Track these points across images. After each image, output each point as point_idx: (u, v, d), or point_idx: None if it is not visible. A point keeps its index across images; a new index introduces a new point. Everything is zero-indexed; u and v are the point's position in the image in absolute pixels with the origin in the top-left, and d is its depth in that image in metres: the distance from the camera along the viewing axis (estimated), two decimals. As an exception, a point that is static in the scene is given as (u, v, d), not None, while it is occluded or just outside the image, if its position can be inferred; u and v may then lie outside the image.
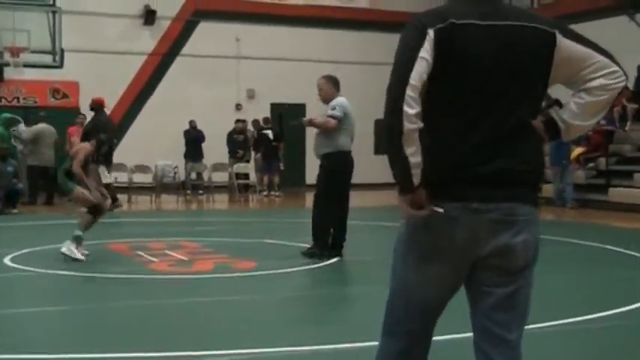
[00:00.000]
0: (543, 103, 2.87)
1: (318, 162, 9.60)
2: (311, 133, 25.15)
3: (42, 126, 17.35)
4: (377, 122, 25.03)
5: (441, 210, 2.71)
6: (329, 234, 9.24)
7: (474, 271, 2.80)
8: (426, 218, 2.73)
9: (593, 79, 2.77)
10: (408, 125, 2.64)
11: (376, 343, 2.99)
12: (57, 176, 9.01)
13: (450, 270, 2.80)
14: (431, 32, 2.69)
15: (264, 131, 20.89)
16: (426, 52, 2.69)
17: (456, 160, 2.72)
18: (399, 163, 2.69)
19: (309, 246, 9.32)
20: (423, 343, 2.94)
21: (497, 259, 2.76)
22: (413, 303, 2.86)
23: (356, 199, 18.60)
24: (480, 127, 2.72)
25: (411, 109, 2.65)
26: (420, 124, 2.67)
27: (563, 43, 2.76)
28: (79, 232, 8.90)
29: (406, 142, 2.66)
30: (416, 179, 2.69)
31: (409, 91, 2.66)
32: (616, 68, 2.78)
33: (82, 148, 9.07)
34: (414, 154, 2.67)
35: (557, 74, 2.80)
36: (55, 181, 16.51)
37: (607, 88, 2.77)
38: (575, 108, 2.83)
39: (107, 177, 14.83)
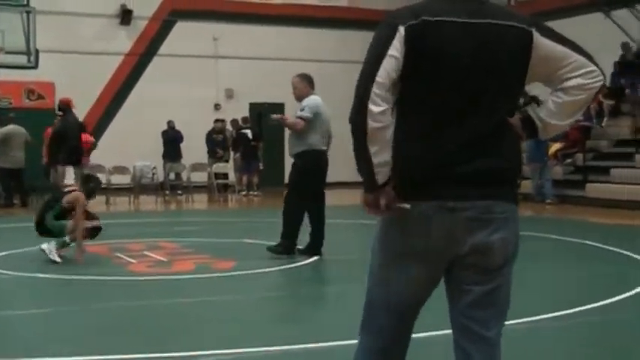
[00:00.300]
0: (521, 100, 2.87)
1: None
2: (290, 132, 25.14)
3: (11, 127, 17.20)
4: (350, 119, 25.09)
5: (407, 206, 2.70)
6: (296, 235, 9.22)
7: (452, 270, 2.80)
8: (401, 217, 2.73)
9: (571, 78, 2.77)
10: (372, 124, 2.65)
11: (355, 341, 2.98)
12: (44, 219, 8.98)
13: (426, 269, 2.79)
14: (402, 29, 2.68)
15: (243, 131, 20.85)
16: (395, 50, 2.68)
17: (432, 159, 2.71)
18: (363, 162, 2.71)
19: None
20: (401, 342, 2.93)
21: (475, 258, 2.75)
22: (390, 302, 2.85)
23: (334, 197, 18.61)
24: (455, 125, 2.71)
25: (377, 106, 2.65)
26: (387, 122, 2.67)
27: (541, 41, 2.75)
28: (65, 238, 8.91)
29: (371, 140, 2.66)
30: (380, 177, 2.70)
31: (375, 89, 2.66)
32: (593, 68, 2.78)
33: (79, 200, 9.06)
34: (379, 153, 2.67)
35: (535, 73, 2.79)
36: (22, 182, 16.47)
37: (584, 88, 2.77)
38: (552, 107, 2.83)
39: (72, 178, 14.79)
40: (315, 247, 9.27)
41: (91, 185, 9.41)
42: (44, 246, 8.83)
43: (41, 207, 9.36)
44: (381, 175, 2.69)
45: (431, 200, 2.71)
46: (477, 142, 2.72)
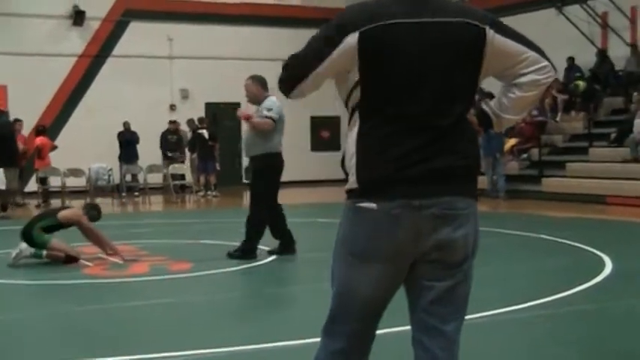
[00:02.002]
0: (476, 97, 2.89)
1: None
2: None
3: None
4: (313, 119, 25.11)
5: (374, 206, 2.70)
6: (258, 240, 9.18)
7: (414, 266, 2.79)
8: (366, 217, 2.72)
9: (525, 74, 2.80)
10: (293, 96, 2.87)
11: (315, 340, 2.96)
12: (31, 237, 8.93)
13: (391, 269, 2.77)
14: (354, 35, 2.68)
15: (200, 131, 20.74)
16: (339, 54, 2.71)
17: (393, 159, 2.70)
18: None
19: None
20: (364, 344, 2.91)
21: (438, 254, 2.75)
22: (353, 303, 2.83)
23: (293, 196, 18.55)
24: (414, 125, 2.71)
25: (296, 98, 2.89)
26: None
27: (494, 38, 2.76)
28: (43, 252, 8.96)
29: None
30: None
31: (302, 86, 2.81)
32: (546, 63, 2.81)
33: (81, 218, 9.09)
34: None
35: (489, 68, 2.80)
36: None
37: (537, 84, 2.82)
38: (506, 102, 2.88)
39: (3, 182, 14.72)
40: (288, 245, 9.31)
41: (94, 213, 9.41)
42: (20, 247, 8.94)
43: (36, 215, 9.40)
44: None
45: (396, 199, 2.70)
46: (435, 140, 2.71)
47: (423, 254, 2.75)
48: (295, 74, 2.77)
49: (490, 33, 2.76)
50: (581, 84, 19.89)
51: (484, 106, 2.92)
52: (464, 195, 2.77)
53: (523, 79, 2.81)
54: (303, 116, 22.25)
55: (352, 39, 2.67)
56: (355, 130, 2.76)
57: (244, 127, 10.07)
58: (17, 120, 18.45)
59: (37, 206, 17.75)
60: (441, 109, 2.72)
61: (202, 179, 20.70)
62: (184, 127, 21.83)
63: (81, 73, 22.80)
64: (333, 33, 2.72)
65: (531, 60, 2.80)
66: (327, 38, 2.73)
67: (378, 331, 2.94)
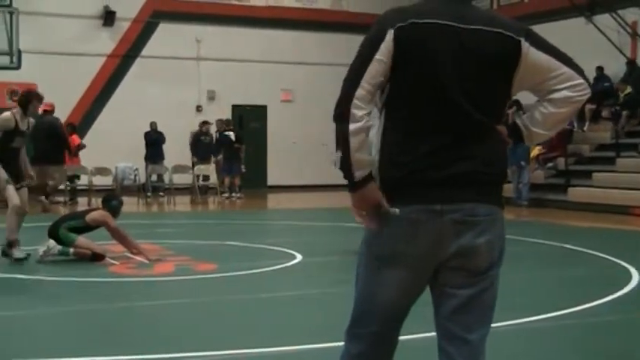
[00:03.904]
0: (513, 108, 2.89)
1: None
2: (273, 135, 25.22)
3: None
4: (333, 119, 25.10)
5: (397, 211, 2.70)
6: None
7: (437, 273, 2.78)
8: (389, 221, 2.72)
9: (558, 90, 2.78)
10: (353, 125, 2.66)
11: (337, 344, 2.97)
12: (58, 235, 9.05)
13: (413, 274, 2.77)
14: (390, 32, 2.69)
15: (226, 133, 20.80)
16: (382, 54, 2.69)
17: (417, 163, 2.70)
18: (342, 159, 2.70)
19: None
20: (386, 348, 2.91)
21: (461, 260, 2.74)
22: (375, 307, 2.83)
23: (320, 199, 18.61)
24: (440, 129, 2.71)
25: (359, 110, 2.67)
26: (367, 124, 2.68)
27: (529, 51, 2.75)
28: (70, 250, 9.06)
29: (351, 140, 2.66)
30: (359, 174, 2.69)
31: (359, 92, 2.67)
32: (581, 81, 2.79)
33: (107, 219, 9.20)
34: (358, 151, 2.67)
35: (522, 81, 2.79)
36: None
37: (571, 101, 2.79)
38: (538, 116, 2.85)
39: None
40: None
41: (114, 203, 9.48)
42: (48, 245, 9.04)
43: (64, 215, 9.46)
44: (359, 172, 2.69)
45: (418, 204, 2.70)
46: (459, 145, 2.71)
47: (445, 260, 2.74)
48: (348, 85, 2.70)
49: (525, 46, 2.75)
50: (627, 88, 19.53)
51: (517, 119, 2.91)
52: (487, 202, 2.76)
53: (556, 95, 2.79)
54: (329, 119, 22.14)
55: (389, 36, 2.68)
56: (380, 130, 2.77)
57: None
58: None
59: (64, 204, 17.90)
60: (466, 116, 2.72)
61: (227, 181, 20.76)
62: (212, 129, 21.91)
63: (109, 73, 22.97)
64: (375, 35, 2.73)
65: (565, 76, 2.77)
66: (371, 41, 2.73)
67: (402, 337, 2.94)
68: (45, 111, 16.17)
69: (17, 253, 8.81)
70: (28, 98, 9.07)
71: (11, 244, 8.83)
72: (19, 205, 8.77)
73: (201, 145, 21.21)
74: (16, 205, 8.74)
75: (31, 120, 9.25)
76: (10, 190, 8.75)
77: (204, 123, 21.61)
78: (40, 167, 15.30)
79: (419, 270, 2.77)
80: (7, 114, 8.99)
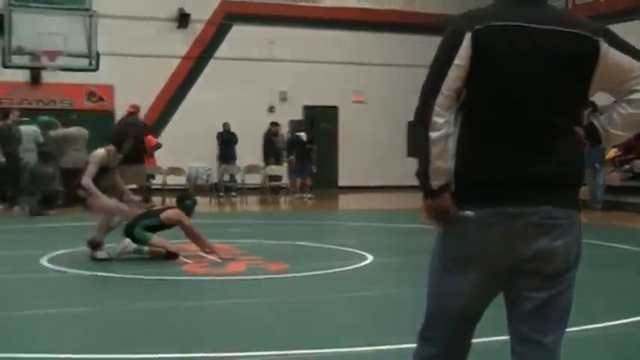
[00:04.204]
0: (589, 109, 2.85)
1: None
2: (344, 136, 25.24)
3: (72, 128, 17.44)
4: (409, 124, 24.99)
5: (471, 214, 2.71)
6: None
7: (512, 276, 2.77)
8: (462, 222, 2.73)
9: (638, 90, 2.74)
10: (433, 134, 2.67)
11: (408, 345, 2.98)
12: (133, 234, 9.30)
13: (485, 277, 2.77)
14: (468, 35, 2.69)
15: (298, 134, 20.92)
16: (460, 58, 2.69)
17: (491, 166, 2.70)
18: (420, 167, 2.73)
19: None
20: (459, 351, 2.91)
21: (537, 264, 2.72)
22: (447, 310, 2.84)
23: (390, 201, 18.55)
24: (516, 131, 2.71)
25: (439, 117, 2.67)
26: (448, 131, 2.69)
27: (608, 52, 2.71)
28: (145, 248, 9.31)
29: (432, 149, 2.67)
30: (435, 183, 2.71)
31: (440, 100, 2.68)
32: None
33: (182, 217, 9.44)
34: (436, 160, 2.68)
35: (600, 82, 2.76)
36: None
37: None
38: (616, 118, 2.81)
39: None
40: None
41: (187, 203, 9.67)
42: (123, 244, 9.31)
43: (140, 214, 9.68)
44: (437, 181, 2.71)
45: (492, 206, 2.70)
46: (535, 148, 2.70)
47: (521, 264, 2.73)
48: (429, 92, 2.71)
49: (604, 46, 2.72)
50: None
51: (594, 120, 2.87)
52: (564, 205, 2.73)
53: (635, 96, 2.75)
54: (400, 121, 22.14)
55: (467, 40, 2.68)
56: (456, 132, 2.77)
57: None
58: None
59: (143, 202, 18.22)
60: (541, 118, 2.71)
61: (298, 181, 20.88)
62: (283, 129, 22.06)
63: (183, 75, 23.31)
64: (451, 39, 2.73)
65: None
66: (449, 45, 2.73)
67: (475, 340, 2.94)
68: (129, 112, 16.55)
69: (100, 254, 9.09)
70: (122, 137, 9.37)
71: (98, 245, 9.11)
72: (113, 220, 9.21)
73: (271, 146, 21.37)
74: (112, 216, 9.15)
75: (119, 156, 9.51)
76: (111, 201, 9.18)
77: (274, 124, 21.76)
78: (120, 167, 15.72)
79: (491, 273, 2.76)
80: (101, 151, 9.28)
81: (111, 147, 9.33)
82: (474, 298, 2.82)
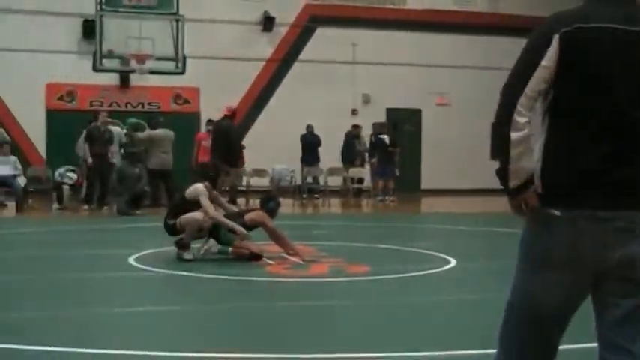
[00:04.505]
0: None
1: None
2: (427, 139, 25.11)
3: (159, 131, 17.78)
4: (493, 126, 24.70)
5: (557, 213, 2.68)
6: None
7: (599, 282, 2.73)
8: (548, 225, 2.70)
9: None
10: (515, 134, 2.66)
11: (491, 350, 2.96)
12: (218, 235, 9.50)
13: (571, 280, 2.73)
14: (556, 37, 2.66)
15: (381, 136, 20.89)
16: (548, 60, 2.66)
17: (581, 168, 2.67)
18: (500, 166, 2.72)
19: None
20: (544, 356, 2.87)
21: (625, 270, 2.68)
22: (532, 312, 2.81)
23: (474, 204, 18.38)
24: (605, 134, 2.67)
25: (521, 117, 2.66)
26: (529, 132, 2.67)
27: None
28: (229, 249, 9.46)
29: (513, 150, 2.66)
30: (513, 183, 2.70)
31: (522, 100, 2.66)
32: None
33: (265, 219, 9.57)
34: (517, 160, 2.67)
35: None
36: (170, 184, 17.16)
37: None
38: None
39: None
40: None
41: (271, 205, 9.80)
42: (205, 245, 9.54)
43: (225, 215, 9.78)
44: (515, 181, 2.69)
45: (580, 209, 2.67)
46: (625, 151, 2.67)
47: (608, 269, 2.69)
48: (511, 92, 2.71)
49: None
50: None
51: None
52: None
53: None
54: (484, 124, 21.89)
55: (554, 42, 2.66)
56: (543, 134, 2.75)
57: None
58: (210, 121, 19.35)
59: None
60: (632, 121, 2.67)
61: (380, 184, 20.84)
62: (364, 132, 22.05)
63: (268, 77, 23.55)
64: (539, 40, 2.71)
65: None
66: (535, 47, 2.72)
67: (562, 347, 2.90)
68: (225, 115, 16.82)
69: (187, 254, 9.28)
70: (215, 174, 9.56)
71: (185, 245, 9.30)
72: (204, 224, 9.36)
73: (350, 149, 21.40)
74: (204, 218, 9.31)
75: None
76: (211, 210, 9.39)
77: (355, 127, 21.79)
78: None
79: (578, 277, 2.73)
80: (200, 187, 9.47)
81: (207, 184, 9.51)
82: (560, 302, 2.78)
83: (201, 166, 9.89)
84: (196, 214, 9.28)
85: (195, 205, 9.31)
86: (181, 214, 9.36)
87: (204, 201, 9.29)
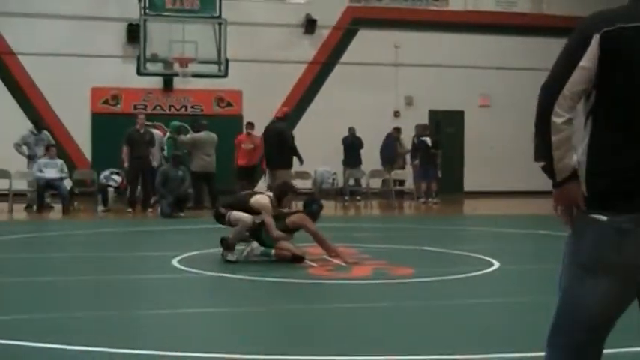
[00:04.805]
0: None
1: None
2: (470, 141, 24.98)
3: (203, 133, 17.91)
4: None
5: (604, 218, 2.65)
6: None
7: None
8: (594, 228, 2.68)
9: None
10: (555, 135, 2.64)
11: (537, 354, 2.94)
12: (261, 237, 9.57)
13: (617, 284, 2.71)
14: (596, 37, 2.63)
15: (423, 138, 20.82)
16: (587, 61, 2.64)
17: (626, 171, 2.64)
18: (545, 166, 2.71)
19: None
20: (590, 358, 2.85)
21: None
22: (578, 316, 2.79)
23: (517, 206, 18.23)
24: None
25: (559, 118, 2.64)
26: (569, 132, 2.65)
27: None
28: (272, 251, 9.48)
29: (555, 153, 2.64)
30: (559, 175, 2.70)
31: (560, 100, 2.65)
32: None
33: (306, 221, 9.58)
34: (560, 159, 2.67)
35: None
36: (213, 186, 17.28)
37: None
38: None
39: None
40: None
41: (314, 207, 9.82)
42: (249, 247, 9.57)
43: None
44: (561, 174, 2.70)
45: (626, 213, 2.64)
46: None
47: (654, 273, 2.66)
48: (549, 92, 2.70)
49: None
50: None
51: None
52: None
53: None
54: (527, 125, 21.70)
55: (594, 42, 2.64)
56: (586, 137, 2.73)
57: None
58: (249, 123, 19.45)
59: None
60: None
61: (423, 186, 20.77)
62: (406, 133, 21.98)
63: (310, 80, 23.58)
64: (578, 41, 2.69)
65: None
66: (575, 47, 2.69)
67: (607, 350, 2.87)
68: (277, 118, 16.93)
69: (230, 255, 9.34)
70: (283, 191, 9.60)
71: (230, 246, 9.37)
72: (251, 226, 9.43)
73: (389, 151, 21.34)
74: (254, 222, 9.39)
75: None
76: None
77: (396, 129, 21.72)
78: (269, 171, 16.19)
79: (624, 280, 2.70)
80: (265, 200, 9.52)
81: (273, 199, 9.55)
82: (605, 305, 2.76)
83: (277, 186, 9.97)
84: (247, 217, 9.34)
85: (253, 212, 9.38)
86: (236, 210, 9.42)
87: (268, 219, 9.35)
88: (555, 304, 2.90)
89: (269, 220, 9.34)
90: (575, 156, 2.71)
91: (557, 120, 2.64)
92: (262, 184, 19.53)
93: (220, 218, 9.55)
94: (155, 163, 17.22)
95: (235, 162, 18.99)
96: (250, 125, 19.39)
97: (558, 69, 2.70)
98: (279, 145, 16.19)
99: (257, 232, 9.55)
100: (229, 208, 9.50)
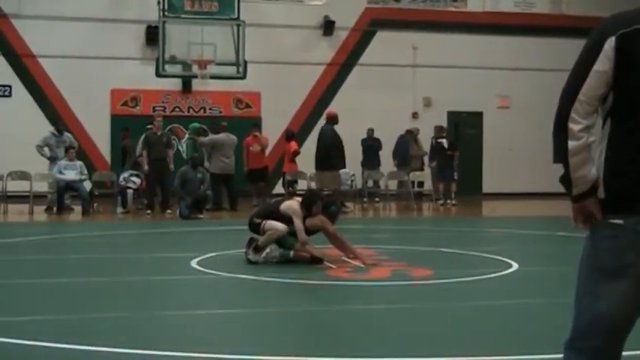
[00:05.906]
0: None
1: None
2: (489, 142, 24.90)
3: (222, 135, 17.96)
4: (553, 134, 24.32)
5: (620, 222, 2.64)
6: None
7: None
8: (612, 231, 2.67)
9: None
10: (572, 142, 2.64)
11: (554, 356, 2.93)
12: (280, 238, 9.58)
13: (635, 287, 2.70)
14: (610, 40, 2.62)
15: (440, 140, 20.78)
16: (602, 64, 2.63)
17: None
18: (562, 175, 2.70)
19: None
20: None
21: None
22: (596, 319, 2.78)
23: (536, 207, 18.17)
24: None
25: (577, 124, 2.63)
26: (587, 139, 2.63)
27: None
28: (290, 253, 9.49)
29: (572, 159, 2.63)
30: (577, 190, 2.68)
31: (576, 106, 2.64)
32: None
33: (325, 224, 9.56)
34: (578, 168, 2.65)
35: None
36: (232, 188, 17.33)
37: None
38: None
39: None
40: None
41: (332, 209, 9.84)
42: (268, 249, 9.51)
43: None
44: (578, 188, 2.66)
45: None
46: None
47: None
48: (565, 99, 2.70)
49: None
50: None
51: None
52: None
53: None
54: (546, 126, 21.59)
55: (608, 45, 2.63)
56: (604, 139, 2.71)
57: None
58: (255, 125, 19.54)
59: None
60: None
61: (441, 187, 20.72)
62: (425, 134, 21.94)
63: (328, 81, 23.59)
64: (592, 45, 2.68)
65: None
66: (589, 51, 2.69)
67: (626, 353, 2.86)
68: (327, 120, 17.03)
69: (254, 256, 9.36)
70: (312, 200, 9.64)
71: (259, 248, 9.41)
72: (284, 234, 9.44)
73: (401, 152, 21.31)
74: (286, 231, 9.40)
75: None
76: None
77: (409, 132, 21.68)
78: (317, 173, 16.22)
79: None
80: (296, 205, 9.55)
81: (303, 205, 9.56)
82: (624, 308, 2.75)
83: (305, 195, 9.96)
84: (281, 226, 9.36)
85: (284, 218, 9.39)
86: (269, 218, 9.45)
87: (298, 224, 9.35)
88: (573, 307, 2.89)
89: (299, 224, 9.35)
90: (594, 169, 2.70)
91: (574, 127, 2.63)
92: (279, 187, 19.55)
93: (255, 227, 9.56)
94: (172, 166, 17.27)
95: (245, 166, 18.85)
96: (257, 127, 19.41)
97: (573, 75, 2.70)
98: (326, 147, 16.27)
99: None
100: (263, 218, 9.53)
